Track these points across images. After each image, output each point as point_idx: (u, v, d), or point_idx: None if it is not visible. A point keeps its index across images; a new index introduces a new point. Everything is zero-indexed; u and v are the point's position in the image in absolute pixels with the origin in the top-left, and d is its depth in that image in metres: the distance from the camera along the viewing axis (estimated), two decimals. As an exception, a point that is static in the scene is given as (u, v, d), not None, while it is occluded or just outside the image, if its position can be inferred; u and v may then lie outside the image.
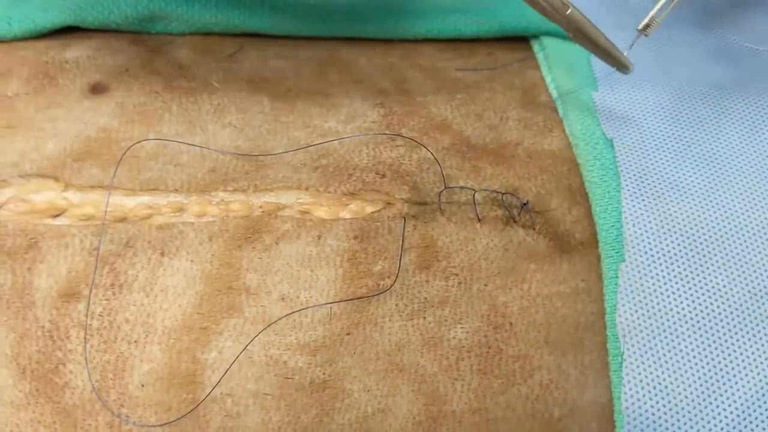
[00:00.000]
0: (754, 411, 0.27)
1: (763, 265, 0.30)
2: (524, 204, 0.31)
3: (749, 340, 0.29)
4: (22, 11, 0.36)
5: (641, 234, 0.30)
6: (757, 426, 0.27)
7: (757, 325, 0.29)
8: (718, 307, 0.29)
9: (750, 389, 0.28)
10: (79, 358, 0.29)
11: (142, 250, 0.30)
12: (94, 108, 0.33)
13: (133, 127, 0.33)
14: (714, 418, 0.27)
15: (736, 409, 0.27)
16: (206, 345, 0.28)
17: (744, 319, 0.29)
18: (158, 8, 0.35)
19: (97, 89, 0.34)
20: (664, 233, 0.30)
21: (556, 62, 0.36)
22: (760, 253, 0.30)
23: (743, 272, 0.30)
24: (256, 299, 0.29)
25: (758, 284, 0.29)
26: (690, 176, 0.32)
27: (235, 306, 0.29)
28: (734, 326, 0.29)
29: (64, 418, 0.28)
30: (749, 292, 0.29)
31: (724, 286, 0.29)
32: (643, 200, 0.31)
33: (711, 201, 0.31)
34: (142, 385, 0.28)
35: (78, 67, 0.35)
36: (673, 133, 0.33)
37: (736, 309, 0.29)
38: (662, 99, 0.34)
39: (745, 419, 0.27)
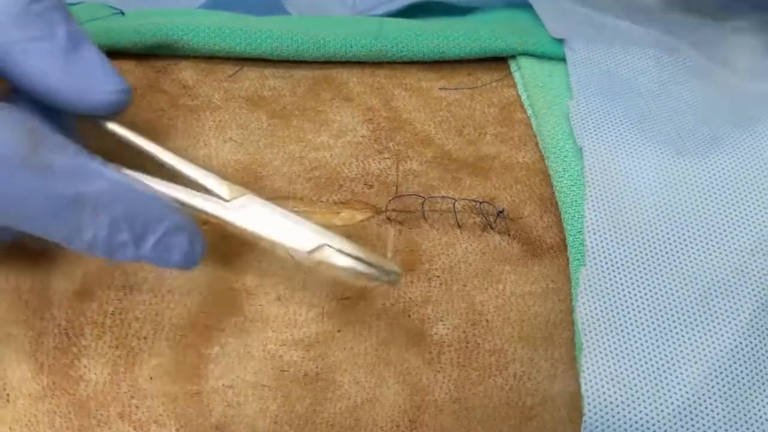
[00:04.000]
0: (701, 397, 0.30)
1: (708, 269, 0.32)
2: (500, 212, 0.34)
3: (695, 335, 0.31)
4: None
5: (600, 240, 0.32)
6: (703, 410, 0.30)
7: (702, 322, 0.31)
8: (667, 306, 0.31)
9: (696, 377, 0.30)
10: (93, 354, 0.31)
11: (151, 255, 0.32)
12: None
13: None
14: (665, 402, 0.30)
15: (685, 394, 0.30)
16: (209, 341, 0.31)
17: (690, 317, 0.31)
18: (165, 37, 0.37)
19: None
20: (621, 239, 0.33)
21: (531, 81, 0.39)
22: (706, 258, 0.32)
23: (690, 276, 0.32)
24: (255, 299, 0.31)
25: (703, 286, 0.32)
26: (649, 184, 0.34)
27: (236, 305, 0.31)
28: (680, 323, 0.31)
29: (79, 408, 0.30)
30: (695, 292, 0.32)
31: (674, 287, 0.32)
32: (604, 209, 0.33)
33: (666, 210, 0.34)
34: (151, 378, 0.30)
35: None
36: (638, 145, 0.36)
37: (683, 308, 0.31)
38: (630, 114, 0.37)
39: (692, 404, 0.30)
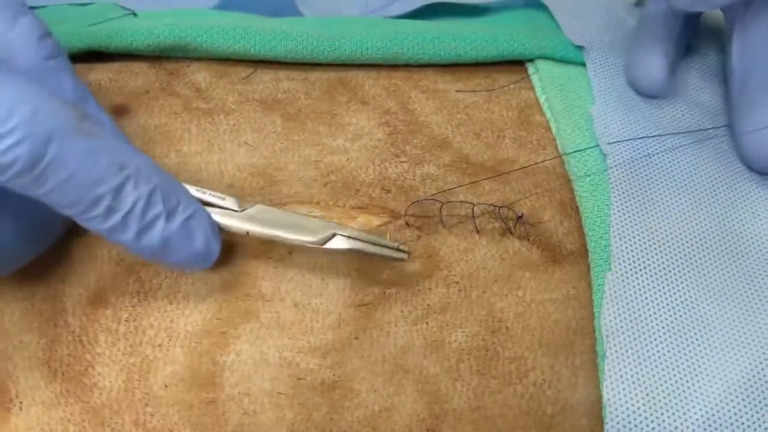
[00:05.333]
0: (725, 409, 0.29)
1: (737, 279, 0.32)
2: (519, 217, 0.33)
3: (721, 346, 0.30)
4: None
5: (627, 246, 0.32)
6: (726, 423, 0.29)
7: (729, 333, 0.31)
8: (693, 315, 0.31)
9: (722, 389, 0.30)
10: (107, 361, 0.30)
11: (166, 260, 0.32)
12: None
13: (155, 146, 0.34)
14: (687, 412, 0.29)
15: (709, 405, 0.29)
16: (225, 348, 0.30)
17: (717, 327, 0.31)
18: (178, 38, 0.37)
19: (119, 111, 0.36)
20: (648, 247, 0.32)
21: (550, 84, 0.38)
22: (735, 268, 0.32)
23: (718, 285, 0.32)
24: (271, 305, 0.31)
25: (731, 296, 0.31)
26: (678, 192, 0.34)
27: (252, 312, 0.31)
28: (707, 333, 0.31)
29: (93, 416, 0.30)
30: (723, 302, 0.31)
31: (701, 296, 0.31)
32: (630, 215, 0.33)
33: (691, 221, 0.33)
34: (166, 386, 0.30)
35: (101, 90, 0.37)
36: (662, 153, 0.35)
37: (710, 317, 0.31)
38: (652, 120, 0.37)
39: (716, 416, 0.29)
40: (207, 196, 0.31)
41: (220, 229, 0.30)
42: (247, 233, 0.30)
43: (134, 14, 0.41)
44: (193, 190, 0.31)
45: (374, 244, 0.30)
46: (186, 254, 0.29)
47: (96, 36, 0.37)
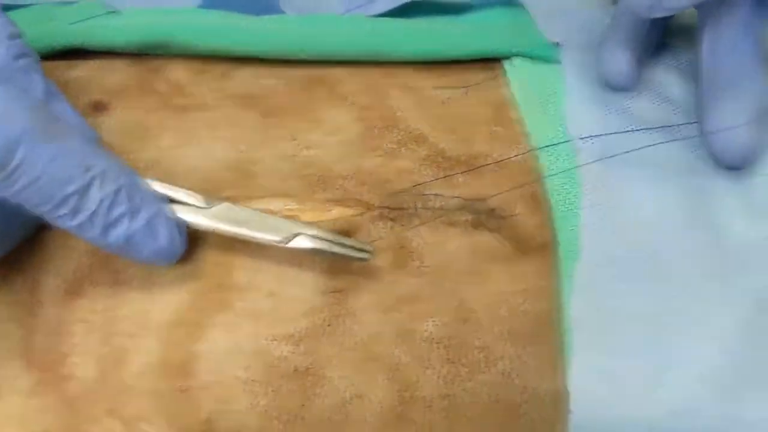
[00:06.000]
0: (693, 398, 0.30)
1: (703, 270, 0.33)
2: (491, 210, 0.34)
3: (685, 337, 0.31)
4: (32, 32, 0.38)
5: (596, 239, 0.33)
6: (694, 411, 0.30)
7: (693, 325, 0.31)
8: (661, 305, 0.32)
9: (687, 378, 0.30)
10: (82, 351, 0.31)
11: (141, 251, 0.32)
12: (97, 125, 0.35)
13: (133, 141, 0.35)
14: (656, 401, 0.30)
15: (677, 394, 0.30)
16: (199, 337, 0.31)
17: (684, 318, 0.31)
18: (159, 36, 0.38)
19: (99, 107, 0.37)
20: (616, 239, 0.33)
21: (525, 81, 0.39)
22: (697, 263, 0.33)
23: (684, 277, 0.32)
24: (246, 295, 0.31)
25: (695, 289, 0.32)
26: (649, 186, 0.35)
27: (226, 302, 0.31)
28: (674, 324, 0.31)
29: (68, 406, 0.30)
30: (690, 294, 0.32)
31: (665, 290, 0.32)
32: (600, 209, 0.33)
33: (660, 214, 0.34)
34: (139, 375, 0.30)
35: (81, 86, 0.37)
36: (632, 148, 0.36)
37: (678, 308, 0.32)
38: (627, 116, 0.37)
39: (683, 403, 0.30)
40: (175, 193, 0.31)
41: (187, 226, 0.31)
42: (213, 231, 0.31)
43: (117, 12, 0.41)
44: (162, 187, 0.31)
45: (337, 243, 0.31)
46: (150, 251, 0.30)
47: (77, 34, 0.38)
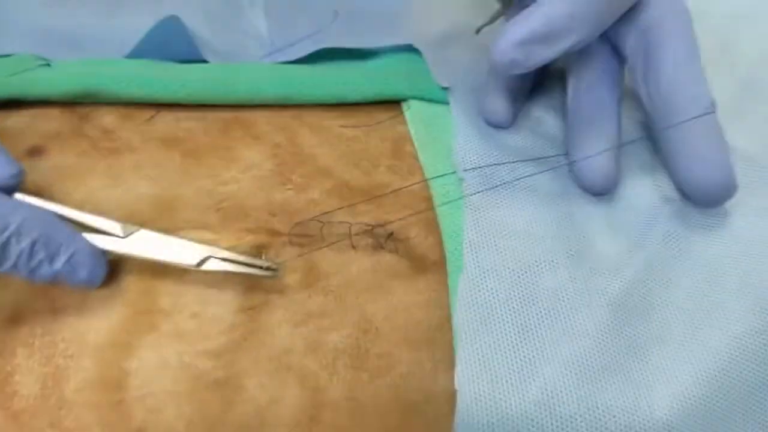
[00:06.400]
0: (556, 389, 0.34)
1: (566, 281, 0.37)
2: (390, 234, 0.38)
3: (552, 335, 0.35)
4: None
5: (477, 257, 0.37)
6: (558, 401, 0.34)
7: (557, 324, 0.36)
8: (529, 311, 0.36)
9: (553, 373, 0.34)
10: (24, 371, 0.34)
11: (75, 281, 0.35)
12: (33, 167, 0.38)
13: (66, 182, 0.38)
14: (525, 394, 0.34)
15: (543, 387, 0.34)
16: (129, 356, 0.34)
17: (547, 321, 0.36)
18: (88, 86, 0.41)
19: (35, 151, 0.40)
20: (494, 257, 0.37)
21: (419, 120, 0.44)
22: (564, 274, 0.38)
23: (549, 286, 0.37)
24: (171, 317, 0.35)
25: (562, 295, 0.37)
26: (521, 212, 0.39)
27: (153, 324, 0.35)
28: (540, 327, 0.36)
29: (13, 420, 0.33)
30: (553, 300, 0.37)
31: (535, 296, 0.37)
32: (481, 231, 0.38)
33: (533, 234, 0.39)
34: (78, 390, 0.33)
35: (18, 133, 0.40)
36: (511, 178, 0.41)
37: (542, 313, 0.36)
38: (507, 150, 0.42)
39: (549, 395, 0.34)
40: (94, 223, 0.35)
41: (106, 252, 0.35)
42: (130, 257, 0.35)
43: (48, 64, 0.45)
44: (82, 217, 0.35)
45: (246, 264, 0.35)
46: (74, 282, 0.34)
47: (13, 86, 0.41)
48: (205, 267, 0.35)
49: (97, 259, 0.35)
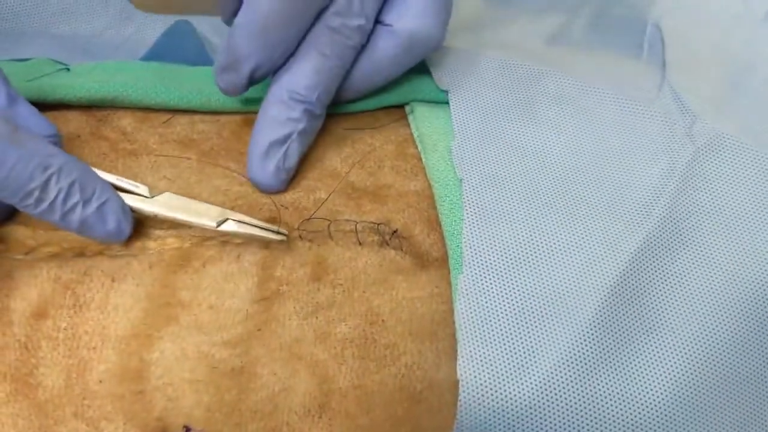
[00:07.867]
0: (555, 378, 0.35)
1: (560, 275, 0.39)
2: (394, 232, 0.40)
3: (549, 328, 0.37)
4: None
5: (476, 253, 0.38)
6: (557, 389, 0.35)
7: (555, 316, 0.37)
8: (527, 304, 0.37)
9: (551, 362, 0.36)
10: (49, 363, 0.35)
11: (97, 277, 0.36)
12: None
13: None
14: (525, 383, 0.35)
15: (542, 376, 0.35)
16: (150, 347, 0.35)
17: (545, 313, 0.37)
18: (106, 93, 0.42)
19: None
20: (492, 253, 0.39)
21: (421, 122, 0.45)
22: (559, 267, 0.39)
23: (546, 280, 0.38)
24: (190, 310, 0.36)
25: (557, 287, 0.38)
26: (517, 210, 0.41)
27: (173, 317, 0.36)
28: (538, 318, 0.37)
29: (38, 410, 0.35)
30: (551, 293, 0.38)
31: (533, 289, 0.38)
32: (479, 229, 0.39)
33: (532, 231, 0.40)
34: (100, 381, 0.35)
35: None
36: (507, 178, 0.42)
37: (540, 306, 0.37)
38: (502, 152, 0.44)
39: (548, 384, 0.35)
40: (123, 183, 0.38)
41: (133, 211, 0.37)
42: (155, 215, 0.37)
43: (67, 69, 0.46)
44: (113, 178, 0.37)
45: (259, 227, 0.37)
46: (101, 232, 0.36)
47: (34, 91, 0.42)
48: (224, 227, 0.37)
49: (125, 213, 0.37)
